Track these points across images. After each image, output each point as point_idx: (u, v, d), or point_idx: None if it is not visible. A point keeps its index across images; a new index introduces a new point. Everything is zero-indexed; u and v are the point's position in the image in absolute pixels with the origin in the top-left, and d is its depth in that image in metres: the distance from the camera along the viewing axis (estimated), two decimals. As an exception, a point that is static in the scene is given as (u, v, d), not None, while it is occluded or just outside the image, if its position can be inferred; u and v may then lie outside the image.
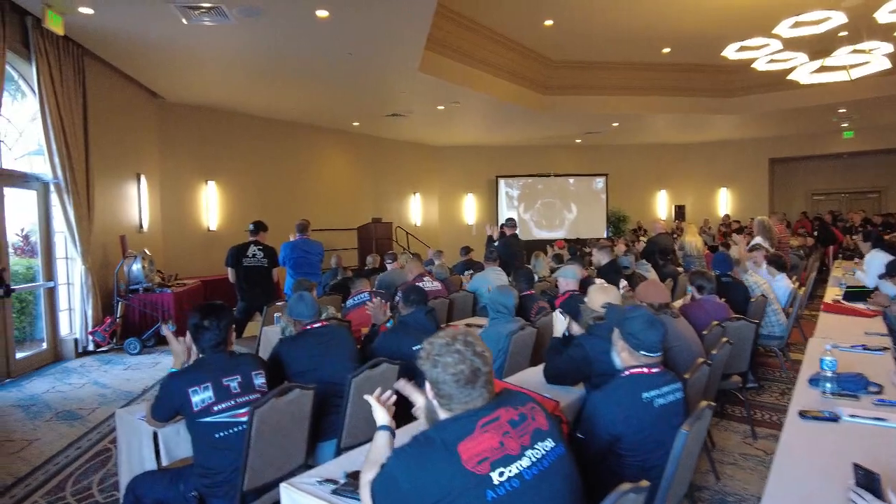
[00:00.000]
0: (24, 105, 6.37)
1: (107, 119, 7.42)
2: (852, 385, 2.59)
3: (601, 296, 2.99)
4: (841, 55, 6.50)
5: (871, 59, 6.44)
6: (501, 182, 15.66)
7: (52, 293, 6.53)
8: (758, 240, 7.35)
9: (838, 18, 5.87)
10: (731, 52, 7.21)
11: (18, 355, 5.93)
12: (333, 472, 2.02)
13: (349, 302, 4.81)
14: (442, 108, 10.57)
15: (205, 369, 2.38)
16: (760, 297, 4.92)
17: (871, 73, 6.80)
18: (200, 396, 2.29)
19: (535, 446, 1.48)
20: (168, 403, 2.34)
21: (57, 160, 6.15)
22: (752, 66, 7.69)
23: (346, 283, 6.27)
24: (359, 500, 1.71)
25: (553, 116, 11.66)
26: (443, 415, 1.55)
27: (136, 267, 7.19)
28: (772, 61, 7.38)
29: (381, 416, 1.79)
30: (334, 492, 1.86)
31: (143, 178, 8.47)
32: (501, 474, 1.39)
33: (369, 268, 7.86)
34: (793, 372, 5.17)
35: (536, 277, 6.21)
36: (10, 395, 5.25)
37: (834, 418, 2.26)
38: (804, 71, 7.14)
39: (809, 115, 12.26)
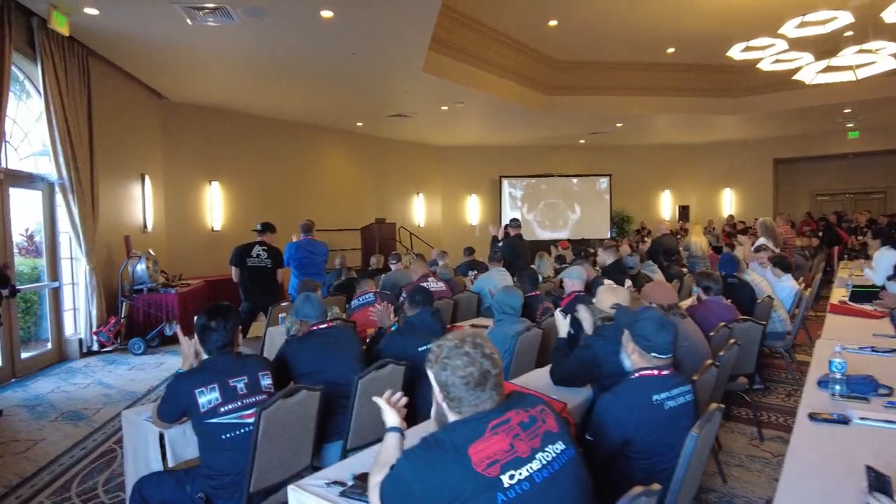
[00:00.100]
0: (29, 105, 6.38)
1: (111, 119, 7.44)
2: (862, 387, 2.56)
3: (610, 296, 2.97)
4: (847, 55, 6.46)
5: (877, 58, 6.39)
6: (505, 182, 15.64)
7: (56, 293, 6.54)
8: (762, 241, 7.31)
9: (845, 18, 5.83)
10: (736, 53, 7.17)
11: (23, 355, 5.94)
12: (341, 473, 2.01)
13: (354, 302, 4.81)
14: (445, 108, 10.56)
15: (211, 370, 2.37)
16: (767, 299, 4.89)
17: (877, 73, 6.76)
18: (207, 397, 2.28)
19: (546, 449, 1.47)
20: (175, 404, 2.33)
21: (62, 160, 6.15)
22: (757, 66, 7.65)
23: (351, 284, 6.27)
24: (367, 502, 1.70)
25: (557, 117, 11.64)
26: (452, 417, 1.54)
27: (141, 267, 7.19)
28: (777, 61, 7.34)
29: (391, 417, 1.77)
30: (342, 494, 1.85)
31: (147, 179, 8.48)
32: (512, 477, 1.38)
33: (373, 268, 7.85)
34: (798, 373, 5.15)
35: (541, 278, 6.19)
36: (16, 395, 5.26)
37: (844, 421, 2.24)
38: (810, 71, 7.10)
39: (814, 116, 12.21)
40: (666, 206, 16.49)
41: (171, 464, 2.54)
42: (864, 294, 5.01)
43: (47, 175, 6.35)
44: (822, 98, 10.59)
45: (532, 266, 7.01)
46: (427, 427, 2.11)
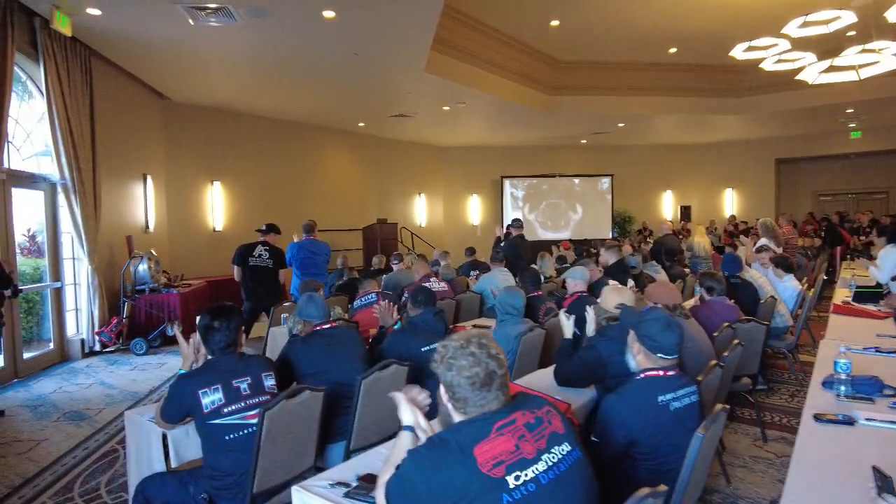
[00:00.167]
0: (31, 106, 6.39)
1: (113, 120, 7.44)
2: (867, 388, 2.55)
3: (615, 296, 2.96)
4: (850, 55, 6.45)
5: (880, 58, 6.38)
6: (506, 182, 15.63)
7: (58, 293, 6.54)
8: (763, 241, 7.29)
9: (848, 18, 5.82)
10: (738, 53, 7.16)
11: (25, 355, 5.94)
12: (345, 474, 2.00)
13: (357, 302, 4.80)
14: (447, 108, 10.56)
15: (214, 371, 2.37)
16: (770, 299, 4.88)
17: (880, 72, 6.74)
18: (210, 398, 2.28)
19: (552, 450, 1.47)
20: (178, 405, 2.33)
21: (64, 161, 6.16)
22: (760, 66, 7.64)
23: (353, 284, 6.26)
24: (371, 503, 1.69)
25: (558, 117, 11.63)
26: (457, 418, 1.53)
27: (143, 267, 7.19)
28: (780, 61, 7.33)
29: (408, 415, 1.73)
30: (346, 495, 1.85)
31: (149, 179, 8.49)
32: (517, 478, 1.38)
33: (375, 268, 7.85)
34: (802, 374, 5.14)
35: (542, 278, 6.18)
36: (18, 395, 5.26)
37: (850, 422, 2.23)
38: (813, 71, 7.09)
39: (816, 116, 12.19)
40: (668, 207, 16.48)
41: (174, 464, 2.53)
42: (869, 294, 4.99)
43: (49, 175, 6.35)
44: (824, 98, 10.57)
45: (533, 266, 6.99)
46: (435, 427, 2.10)
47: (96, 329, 6.66)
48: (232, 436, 2.30)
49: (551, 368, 3.09)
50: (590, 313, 3.00)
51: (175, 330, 2.75)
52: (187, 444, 2.55)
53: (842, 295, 5.42)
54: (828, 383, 2.64)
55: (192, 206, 9.91)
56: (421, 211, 15.00)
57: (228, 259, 6.10)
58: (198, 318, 2.56)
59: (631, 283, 5.12)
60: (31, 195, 6.29)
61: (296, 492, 1.91)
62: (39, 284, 6.38)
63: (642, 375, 2.10)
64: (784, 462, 3.51)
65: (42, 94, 6.07)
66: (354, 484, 1.91)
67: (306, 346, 2.94)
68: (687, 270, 7.58)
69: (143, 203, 8.40)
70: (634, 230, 15.64)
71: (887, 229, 6.34)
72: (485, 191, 15.83)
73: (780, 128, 13.75)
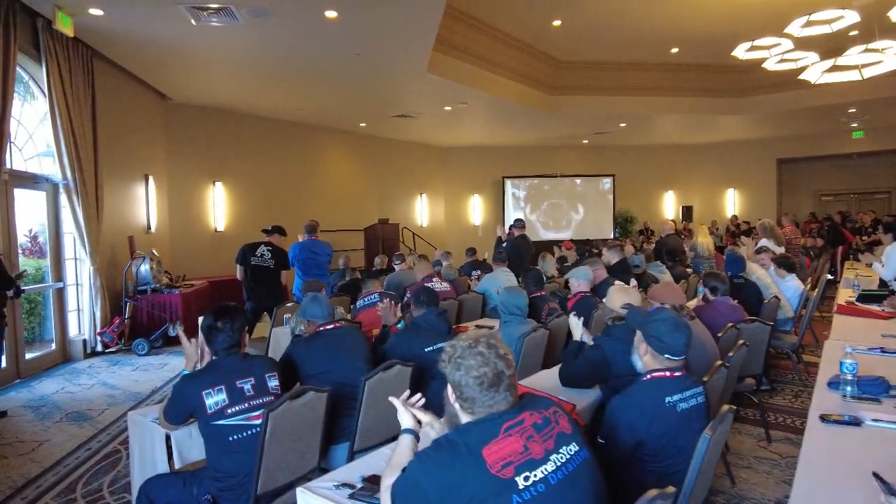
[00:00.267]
0: (33, 106, 6.39)
1: (115, 120, 7.44)
2: (873, 388, 2.54)
3: (621, 296, 2.95)
4: (853, 54, 6.43)
5: (883, 58, 6.36)
6: (508, 183, 15.62)
7: (61, 294, 6.54)
8: (763, 242, 7.28)
9: (851, 17, 5.81)
10: (741, 52, 7.16)
11: (28, 356, 5.94)
12: (349, 475, 1.99)
13: (359, 302, 4.79)
14: (449, 108, 10.55)
15: (218, 372, 2.36)
16: (773, 299, 4.87)
17: (883, 72, 6.73)
18: (214, 399, 2.27)
19: (560, 451, 1.46)
20: (181, 406, 2.32)
21: (66, 161, 6.15)
22: (762, 66, 7.64)
23: (355, 284, 6.26)
24: (376, 504, 1.69)
25: (560, 117, 11.62)
26: (465, 418, 1.52)
27: (145, 268, 7.19)
28: (782, 61, 7.32)
29: (407, 419, 1.75)
30: (351, 496, 1.84)
31: (150, 179, 8.48)
32: (527, 479, 1.37)
33: (377, 269, 7.84)
34: (806, 374, 5.12)
35: (544, 278, 6.17)
36: (21, 395, 5.25)
37: (856, 422, 2.22)
38: (815, 71, 7.07)
39: (818, 116, 12.17)
40: (669, 207, 16.47)
41: (177, 465, 2.53)
42: (873, 297, 4.96)
43: (51, 176, 6.35)
44: (826, 98, 10.55)
45: (535, 266, 6.98)
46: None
47: (98, 329, 6.66)
48: (236, 437, 2.29)
49: (555, 369, 3.09)
50: (573, 320, 3.00)
51: (178, 330, 2.74)
52: (191, 445, 2.54)
53: (845, 295, 5.41)
54: (833, 384, 2.63)
55: (194, 206, 9.91)
56: (422, 211, 15.00)
57: (230, 259, 6.10)
58: (201, 319, 2.55)
59: (633, 282, 5.12)
60: (33, 196, 6.28)
61: (301, 493, 1.90)
62: (41, 285, 6.38)
63: (649, 376, 2.09)
64: (789, 463, 3.50)
65: (44, 94, 6.07)
66: (359, 485, 1.90)
67: (310, 347, 2.93)
68: (689, 270, 7.57)
69: (144, 203, 8.40)
70: (636, 230, 15.63)
71: (893, 226, 6.29)
72: (486, 191, 15.83)
73: (781, 128, 13.74)
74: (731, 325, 3.69)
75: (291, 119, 11.32)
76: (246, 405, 2.33)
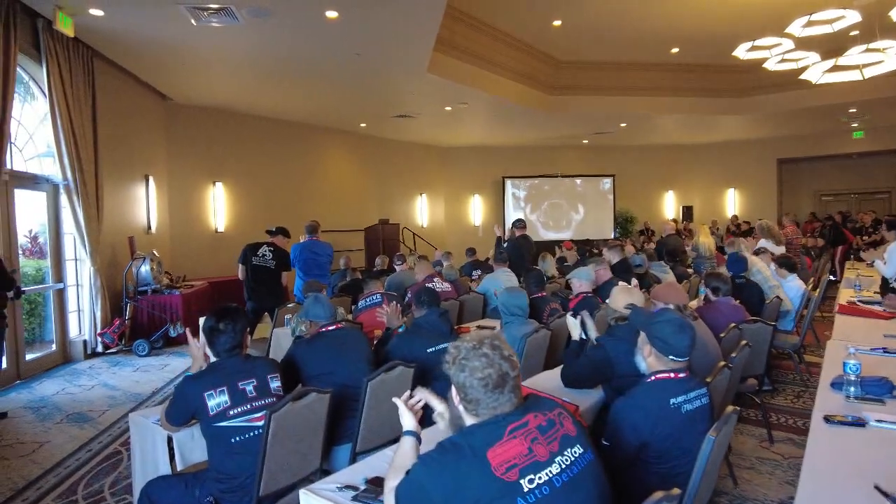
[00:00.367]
0: (34, 107, 6.38)
1: (115, 120, 7.43)
2: (877, 389, 2.53)
3: (625, 297, 2.94)
4: (854, 54, 6.43)
5: (884, 58, 6.36)
6: (508, 183, 15.62)
7: (61, 294, 6.53)
8: (762, 243, 7.26)
9: (852, 17, 5.81)
10: (742, 52, 7.15)
11: (28, 357, 5.93)
12: (352, 477, 1.99)
13: (361, 303, 4.78)
14: (449, 108, 10.55)
15: (220, 373, 2.35)
16: (775, 299, 4.86)
17: (884, 72, 6.72)
18: (216, 400, 2.26)
19: (565, 453, 1.45)
20: (183, 407, 2.31)
21: (67, 162, 6.15)
22: (763, 66, 7.63)
23: (357, 284, 6.26)
24: (380, 506, 1.68)
25: (560, 117, 11.62)
26: (469, 420, 1.51)
27: (145, 268, 7.19)
28: (783, 61, 7.32)
29: (408, 420, 1.74)
30: (354, 498, 1.83)
31: (151, 180, 8.48)
32: (531, 481, 1.36)
33: (378, 269, 7.84)
34: (807, 374, 5.12)
35: (545, 278, 6.16)
36: (21, 396, 5.25)
37: (860, 423, 2.21)
38: (816, 70, 7.07)
39: (819, 115, 12.17)
40: (669, 207, 16.47)
41: (179, 467, 2.52)
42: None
43: (52, 176, 6.34)
44: (827, 98, 10.55)
45: (536, 267, 6.97)
46: (437, 429, 2.08)
47: (99, 330, 6.65)
48: (238, 438, 2.28)
49: (557, 370, 3.08)
50: (570, 320, 3.00)
51: (184, 330, 2.74)
52: (193, 446, 2.54)
53: (846, 295, 5.40)
54: (837, 384, 2.62)
55: (194, 206, 9.90)
56: (423, 211, 14.99)
57: (230, 260, 6.11)
58: (202, 320, 2.54)
59: (634, 281, 5.11)
60: (33, 196, 6.28)
61: (304, 495, 1.90)
62: (42, 286, 6.37)
63: (653, 378, 2.08)
64: (791, 463, 3.49)
65: (44, 95, 6.07)
66: (363, 487, 1.89)
67: (312, 348, 2.92)
68: (690, 271, 7.56)
69: (145, 204, 8.39)
70: (636, 230, 15.62)
71: None
72: (486, 191, 15.82)
73: (782, 127, 13.73)
74: (733, 325, 3.68)
75: (292, 119, 11.31)
76: (248, 406, 2.32)
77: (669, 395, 1.97)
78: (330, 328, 3.04)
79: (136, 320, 7.13)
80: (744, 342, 3.14)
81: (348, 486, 1.90)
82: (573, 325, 3.07)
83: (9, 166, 5.71)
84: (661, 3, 8.10)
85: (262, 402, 2.35)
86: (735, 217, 15.08)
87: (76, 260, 6.71)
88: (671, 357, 2.05)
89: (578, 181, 15.78)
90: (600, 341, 2.76)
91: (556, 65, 10.75)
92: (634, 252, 7.33)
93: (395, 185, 14.10)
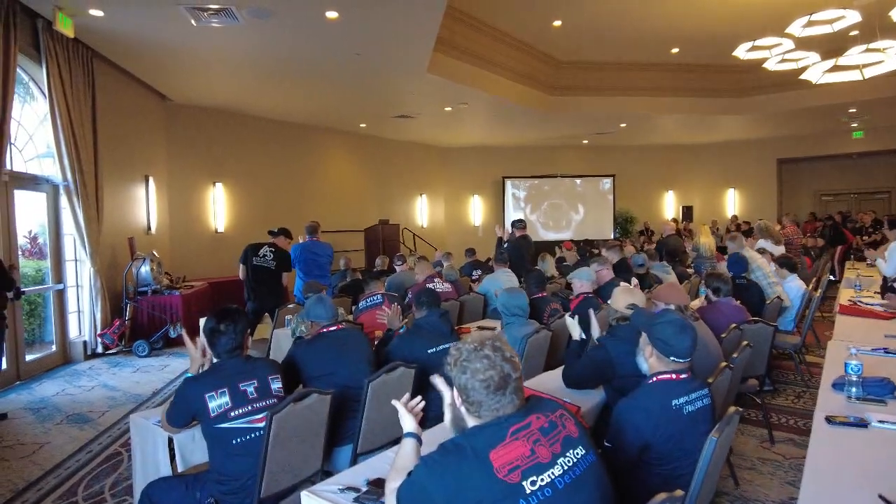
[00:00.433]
0: (34, 108, 6.37)
1: (115, 121, 7.43)
2: (879, 389, 2.53)
3: (626, 297, 2.94)
4: (854, 54, 6.43)
5: (884, 58, 6.36)
6: (508, 183, 15.62)
7: (61, 295, 6.53)
8: (761, 243, 7.26)
9: (852, 17, 5.81)
10: (742, 52, 7.15)
11: (28, 358, 5.92)
12: (354, 479, 1.98)
13: (362, 304, 4.78)
14: (449, 109, 10.54)
15: (221, 374, 2.35)
16: (776, 300, 4.86)
17: (884, 72, 6.72)
18: (217, 402, 2.26)
19: (567, 454, 1.45)
20: (184, 409, 2.31)
21: (66, 162, 6.14)
22: (763, 66, 7.63)
23: (357, 285, 6.25)
24: (382, 508, 1.68)
25: (560, 117, 11.62)
26: (471, 422, 1.51)
27: (145, 269, 7.18)
28: (783, 61, 7.32)
29: (409, 422, 1.74)
30: (356, 500, 1.83)
31: (151, 180, 8.47)
32: (533, 483, 1.36)
33: (378, 269, 7.83)
34: (808, 375, 5.11)
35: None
36: (21, 397, 5.24)
37: (862, 424, 2.21)
38: (816, 70, 7.07)
39: (819, 116, 12.17)
40: (669, 207, 16.47)
41: (180, 468, 2.51)
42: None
43: (52, 177, 6.34)
44: (827, 98, 10.55)
45: (537, 267, 6.96)
46: (438, 430, 2.08)
47: (99, 331, 6.64)
48: (239, 440, 2.28)
49: (558, 371, 3.08)
50: (569, 320, 3.00)
51: (181, 331, 2.73)
52: (193, 448, 2.53)
53: (846, 295, 5.40)
54: (838, 385, 2.62)
55: (194, 207, 9.89)
56: (422, 212, 14.98)
57: (230, 261, 6.11)
58: (202, 321, 2.54)
59: (635, 281, 5.10)
60: (33, 197, 6.27)
61: (305, 496, 1.89)
62: (42, 286, 6.36)
63: (655, 379, 2.07)
64: (792, 464, 3.49)
65: (44, 95, 6.06)
66: (364, 489, 1.89)
67: (313, 349, 2.92)
68: (690, 271, 7.55)
69: (144, 204, 8.38)
70: (636, 231, 15.62)
71: None
72: (486, 191, 15.82)
73: (782, 128, 13.73)
74: (734, 325, 3.68)
75: (292, 120, 11.30)
76: (249, 408, 2.31)
77: (671, 396, 1.97)
78: (331, 329, 3.03)
79: (136, 321, 7.12)
80: (745, 343, 3.14)
81: (350, 488, 1.90)
82: (573, 326, 3.07)
83: (8, 167, 5.70)
84: (661, 3, 8.10)
85: (264, 403, 2.35)
86: (735, 217, 15.08)
87: (76, 261, 6.70)
88: (673, 358, 2.05)
89: (578, 181, 15.78)
90: (601, 341, 2.76)
91: (557, 65, 10.75)
92: (635, 252, 7.33)
93: (395, 185, 14.10)
